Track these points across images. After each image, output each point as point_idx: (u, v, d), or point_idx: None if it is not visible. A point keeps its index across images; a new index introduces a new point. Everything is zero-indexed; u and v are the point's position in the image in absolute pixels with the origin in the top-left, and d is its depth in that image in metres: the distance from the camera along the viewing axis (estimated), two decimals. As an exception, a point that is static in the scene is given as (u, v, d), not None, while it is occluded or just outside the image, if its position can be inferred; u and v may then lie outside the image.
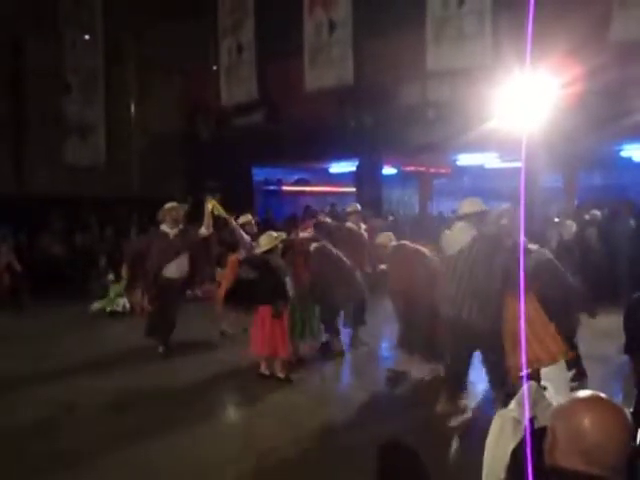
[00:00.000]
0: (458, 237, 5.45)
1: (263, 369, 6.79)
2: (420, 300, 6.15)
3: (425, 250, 6.56)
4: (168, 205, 7.99)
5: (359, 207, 9.15)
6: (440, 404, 5.52)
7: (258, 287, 6.79)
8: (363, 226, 8.94)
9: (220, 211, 8.20)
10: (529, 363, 5.13)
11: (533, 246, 5.97)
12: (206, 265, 8.72)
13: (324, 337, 7.82)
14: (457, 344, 5.40)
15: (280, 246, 6.87)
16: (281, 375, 6.70)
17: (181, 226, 7.96)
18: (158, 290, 7.82)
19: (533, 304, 5.27)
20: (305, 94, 13.82)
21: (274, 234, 6.97)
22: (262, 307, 6.62)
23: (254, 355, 6.83)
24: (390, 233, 7.28)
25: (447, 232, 5.66)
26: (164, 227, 7.91)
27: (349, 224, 8.66)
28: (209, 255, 8.82)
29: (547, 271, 5.70)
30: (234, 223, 8.40)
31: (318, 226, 8.17)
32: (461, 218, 5.59)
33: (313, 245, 7.53)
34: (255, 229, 8.84)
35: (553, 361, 5.34)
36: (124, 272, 9.32)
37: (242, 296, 7.76)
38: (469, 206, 5.62)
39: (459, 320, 5.22)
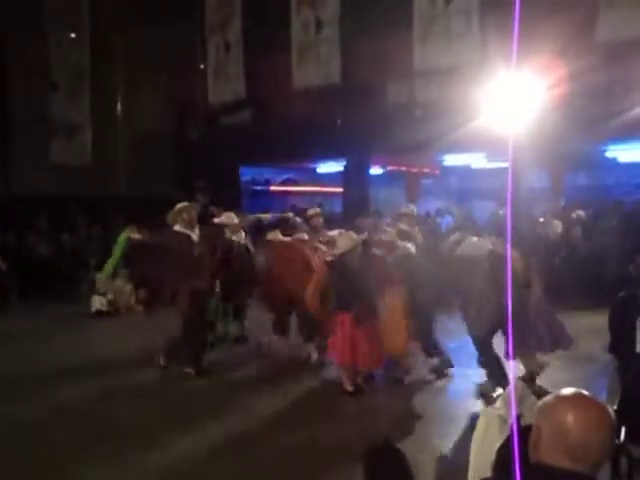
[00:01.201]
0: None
1: (343, 380, 6.20)
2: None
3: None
4: (178, 206, 7.25)
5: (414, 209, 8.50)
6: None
7: (337, 292, 6.17)
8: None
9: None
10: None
11: (402, 243, 6.80)
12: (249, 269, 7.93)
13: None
14: None
15: (360, 248, 6.26)
16: (349, 387, 6.14)
17: (197, 228, 7.20)
18: (190, 301, 6.84)
19: (397, 298, 6.19)
20: (292, 93, 13.82)
21: (353, 234, 6.41)
22: (341, 314, 6.10)
23: (337, 365, 6.32)
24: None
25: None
26: (180, 228, 7.12)
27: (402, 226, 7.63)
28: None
29: (408, 267, 6.46)
30: (296, 220, 8.03)
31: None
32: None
33: (400, 250, 6.74)
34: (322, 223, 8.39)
35: (395, 352, 6.40)
36: (107, 267, 8.75)
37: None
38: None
39: None
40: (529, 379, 6.00)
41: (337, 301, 6.15)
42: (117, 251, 8.03)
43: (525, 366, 6.19)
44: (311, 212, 8.69)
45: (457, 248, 6.44)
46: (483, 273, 5.78)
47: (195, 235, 7.09)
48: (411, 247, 6.86)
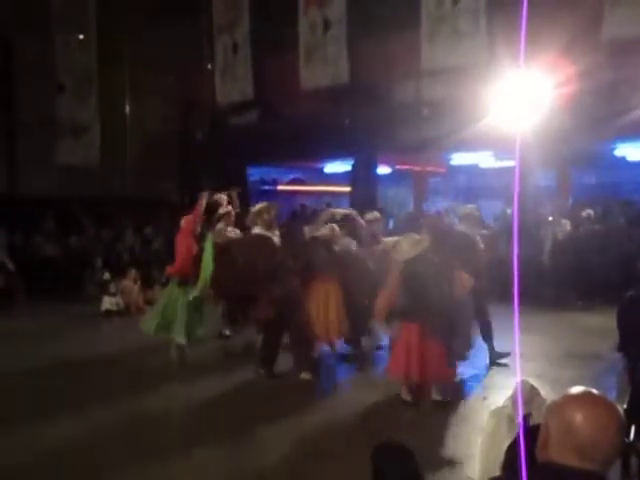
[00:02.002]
0: None
1: (405, 394, 5.80)
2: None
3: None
4: (258, 206, 6.85)
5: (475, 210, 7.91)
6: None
7: (403, 302, 5.73)
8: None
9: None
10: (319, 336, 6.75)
11: (345, 240, 7.07)
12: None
13: None
14: None
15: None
16: (407, 398, 5.78)
17: (277, 230, 6.85)
18: (272, 309, 6.48)
19: (334, 289, 6.62)
20: (300, 93, 13.82)
21: (417, 237, 5.91)
22: (407, 324, 5.70)
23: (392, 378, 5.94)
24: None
25: None
26: (260, 230, 6.76)
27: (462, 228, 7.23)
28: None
29: (346, 261, 6.75)
30: (360, 220, 7.46)
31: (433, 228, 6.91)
32: None
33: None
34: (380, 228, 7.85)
35: (329, 339, 6.93)
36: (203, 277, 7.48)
37: None
38: None
39: None
40: None
41: (403, 312, 5.72)
42: (208, 259, 7.14)
43: None
44: (370, 216, 7.79)
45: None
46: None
47: (276, 237, 6.70)
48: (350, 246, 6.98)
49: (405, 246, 5.80)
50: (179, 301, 7.25)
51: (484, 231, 7.52)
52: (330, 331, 6.83)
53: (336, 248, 7.00)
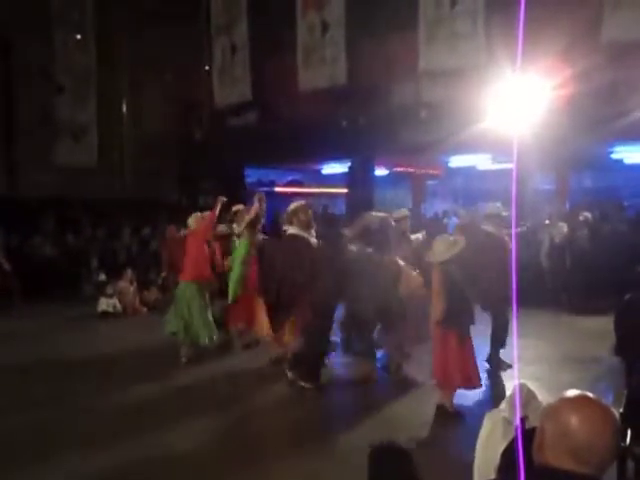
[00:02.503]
0: None
1: (444, 401, 5.54)
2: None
3: None
4: (293, 205, 6.48)
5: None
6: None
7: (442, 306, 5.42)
8: None
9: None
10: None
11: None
12: None
13: None
14: None
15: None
16: (449, 406, 5.53)
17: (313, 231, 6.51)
18: (311, 312, 6.21)
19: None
20: (298, 94, 13.83)
21: (451, 238, 5.61)
22: (443, 330, 5.43)
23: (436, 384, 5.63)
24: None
25: None
26: (296, 230, 6.41)
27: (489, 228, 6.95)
28: None
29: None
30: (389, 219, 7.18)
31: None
32: None
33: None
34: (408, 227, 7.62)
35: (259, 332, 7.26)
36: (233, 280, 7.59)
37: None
38: None
39: None
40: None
41: (444, 317, 5.36)
42: (238, 259, 7.27)
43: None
44: (398, 215, 7.51)
45: None
46: None
47: (313, 237, 6.36)
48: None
49: (441, 247, 5.48)
50: (195, 303, 7.28)
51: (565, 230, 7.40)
52: None
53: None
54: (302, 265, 6.15)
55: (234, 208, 8.11)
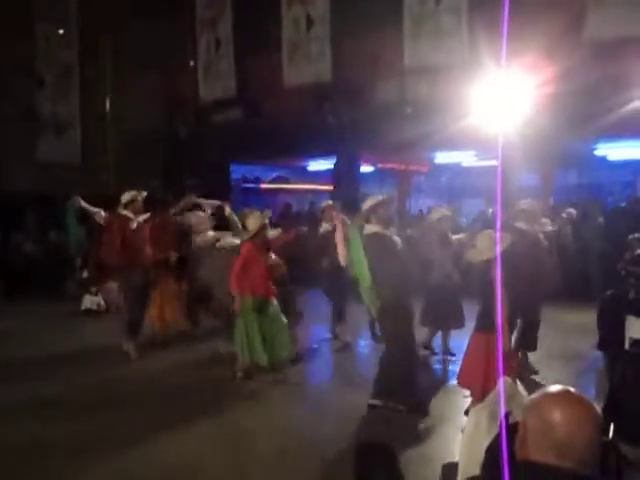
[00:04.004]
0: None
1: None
2: None
3: None
4: (370, 201, 5.77)
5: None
6: None
7: (483, 309, 5.04)
8: None
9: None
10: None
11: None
12: None
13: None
14: None
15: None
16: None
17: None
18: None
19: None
20: (283, 90, 13.79)
21: (492, 234, 5.10)
22: (478, 334, 5.04)
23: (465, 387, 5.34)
24: None
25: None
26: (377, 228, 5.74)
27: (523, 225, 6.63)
28: None
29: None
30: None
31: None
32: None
33: None
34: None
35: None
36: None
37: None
38: None
39: None
40: None
41: (481, 319, 5.02)
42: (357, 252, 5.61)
43: None
44: (437, 214, 7.27)
45: None
46: None
47: (396, 236, 5.81)
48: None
49: (483, 243, 5.10)
50: (253, 320, 6.50)
51: (549, 228, 7.27)
52: None
53: None
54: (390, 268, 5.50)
55: (323, 204, 8.71)
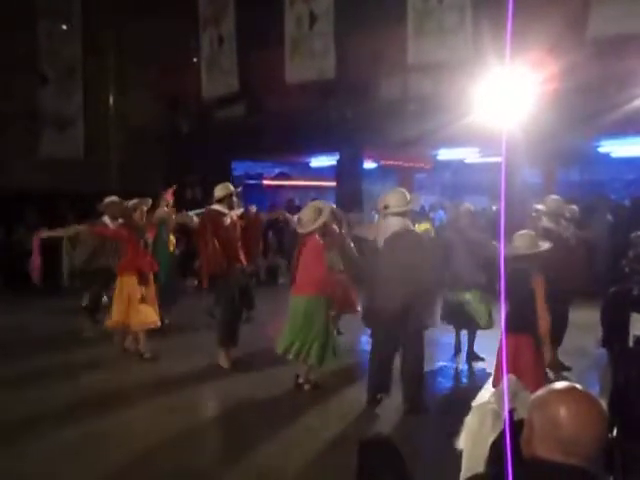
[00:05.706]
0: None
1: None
2: None
3: None
4: (393, 195, 5.60)
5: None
6: None
7: (514, 309, 4.86)
8: None
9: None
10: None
11: None
12: None
13: None
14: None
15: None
16: None
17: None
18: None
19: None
20: (286, 87, 13.78)
21: (532, 232, 5.02)
22: (513, 336, 4.73)
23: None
24: None
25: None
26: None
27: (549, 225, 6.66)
28: None
29: None
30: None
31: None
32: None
33: None
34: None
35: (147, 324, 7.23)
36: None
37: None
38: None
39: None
40: None
41: (511, 320, 4.74)
42: None
43: None
44: (459, 211, 7.17)
45: None
46: None
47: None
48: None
49: (521, 241, 4.98)
50: (318, 318, 6.00)
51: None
52: None
53: None
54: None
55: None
